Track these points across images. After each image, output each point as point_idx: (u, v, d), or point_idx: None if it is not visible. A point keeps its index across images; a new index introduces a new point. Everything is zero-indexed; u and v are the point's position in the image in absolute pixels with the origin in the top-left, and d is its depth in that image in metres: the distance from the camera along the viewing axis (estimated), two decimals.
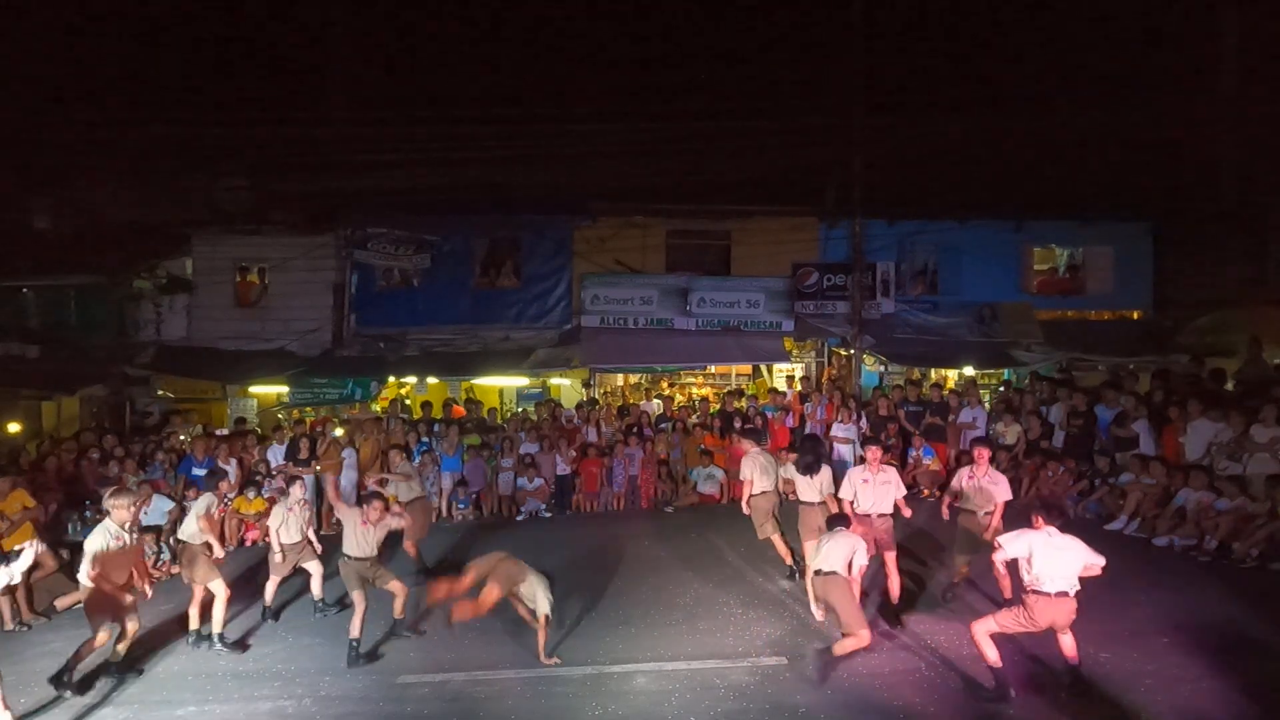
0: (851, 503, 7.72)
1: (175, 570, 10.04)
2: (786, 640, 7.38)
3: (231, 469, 11.38)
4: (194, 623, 7.87)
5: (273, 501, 11.63)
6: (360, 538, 7.61)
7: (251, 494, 11.36)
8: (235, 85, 18.24)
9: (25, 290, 15.84)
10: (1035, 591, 5.91)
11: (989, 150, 15.24)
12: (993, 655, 6.05)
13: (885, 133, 15.28)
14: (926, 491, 12.15)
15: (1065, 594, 5.88)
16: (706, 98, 16.89)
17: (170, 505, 10.43)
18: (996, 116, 15.25)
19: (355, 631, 7.37)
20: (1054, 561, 5.89)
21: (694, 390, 17.42)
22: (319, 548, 8.70)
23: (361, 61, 18.83)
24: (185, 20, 19.51)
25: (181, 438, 12.52)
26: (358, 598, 7.44)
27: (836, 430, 12.79)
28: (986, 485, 7.80)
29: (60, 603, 8.94)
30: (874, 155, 15.17)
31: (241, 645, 7.85)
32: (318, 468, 11.73)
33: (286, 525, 8.41)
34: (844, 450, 12.70)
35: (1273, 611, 7.29)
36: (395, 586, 7.78)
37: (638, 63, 19.25)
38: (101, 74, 17.99)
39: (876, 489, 7.72)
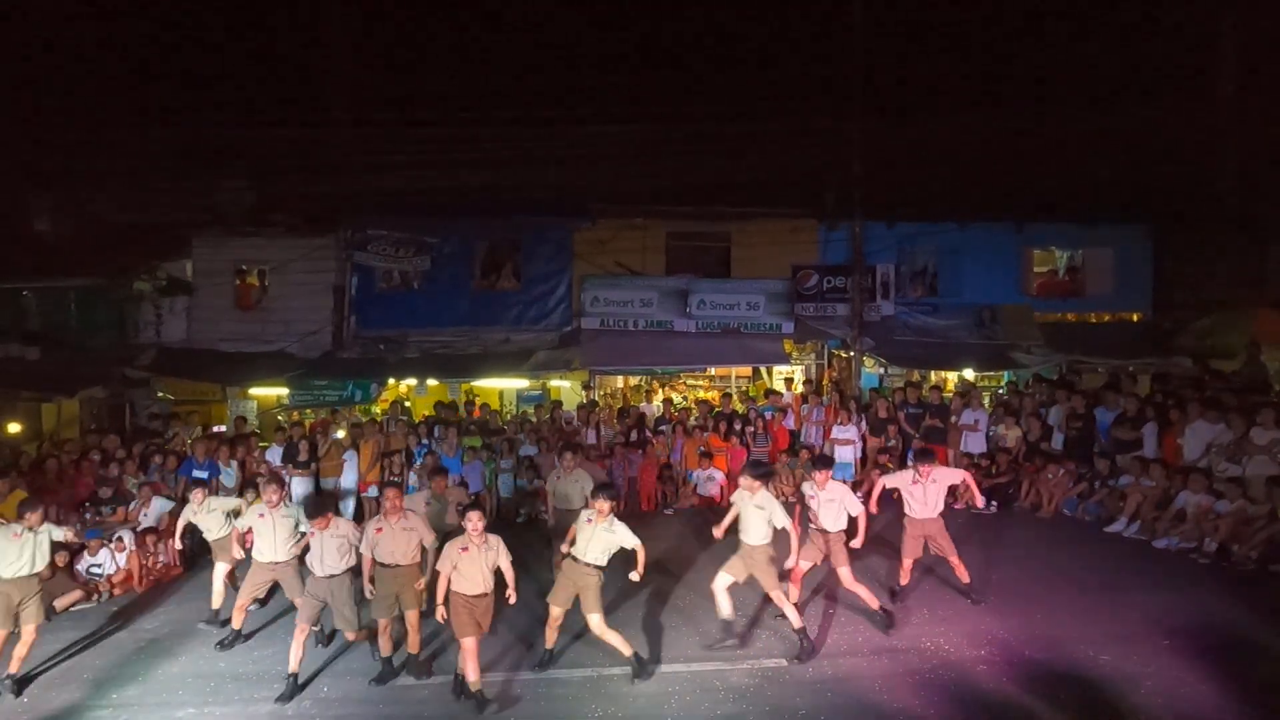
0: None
1: (176, 572, 10.06)
2: (786, 642, 7.37)
3: (233, 471, 11.40)
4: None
5: None
6: (387, 540, 6.89)
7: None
8: (235, 87, 18.24)
9: (25, 292, 15.81)
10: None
11: (989, 152, 15.24)
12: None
13: (885, 135, 15.29)
14: None
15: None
16: (706, 99, 16.89)
17: (171, 506, 10.42)
18: (996, 119, 15.28)
19: (385, 649, 6.99)
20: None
21: (701, 393, 17.44)
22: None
23: (362, 62, 18.82)
24: (185, 22, 19.50)
25: (189, 442, 12.48)
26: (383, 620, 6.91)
27: (836, 433, 12.80)
28: (932, 489, 7.93)
29: (59, 603, 8.92)
30: (873, 157, 15.20)
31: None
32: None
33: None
34: (844, 452, 12.71)
35: (1272, 614, 7.31)
36: (412, 618, 7.00)
37: (638, 64, 19.26)
38: (102, 75, 17.99)
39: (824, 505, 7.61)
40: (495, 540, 6.57)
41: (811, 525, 7.69)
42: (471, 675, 6.36)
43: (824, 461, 8.24)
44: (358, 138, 16.43)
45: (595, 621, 6.80)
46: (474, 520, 6.48)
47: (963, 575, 8.06)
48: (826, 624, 7.73)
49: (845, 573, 7.52)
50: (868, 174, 15.17)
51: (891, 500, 8.47)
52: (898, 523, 8.35)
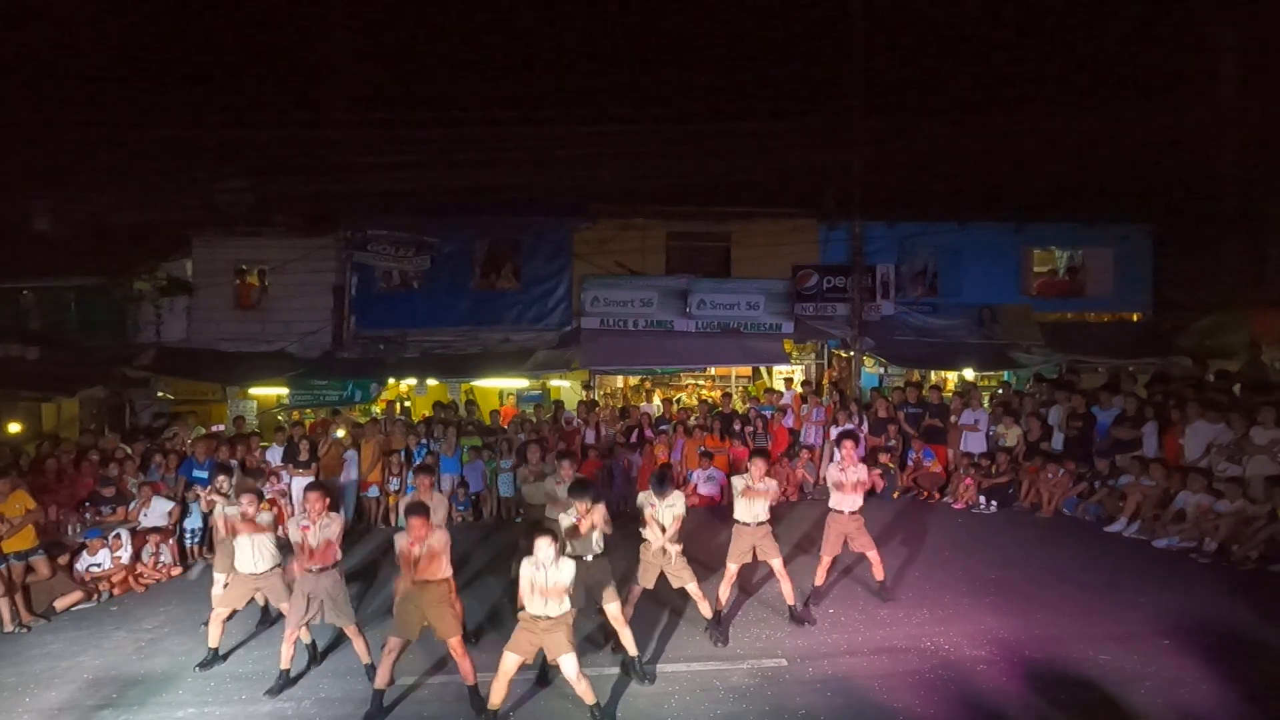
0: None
1: (176, 572, 10.07)
2: (786, 642, 7.38)
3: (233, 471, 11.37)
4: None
5: (273, 503, 11.63)
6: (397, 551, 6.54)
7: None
8: (236, 86, 18.26)
9: (25, 292, 15.84)
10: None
11: (988, 152, 15.25)
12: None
13: (885, 134, 15.30)
14: (926, 494, 12.17)
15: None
16: (707, 99, 16.92)
17: (170, 506, 10.42)
18: (996, 118, 15.29)
19: (381, 679, 6.42)
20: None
21: (705, 392, 17.46)
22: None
23: (361, 62, 18.85)
24: (185, 21, 19.54)
25: (189, 442, 12.46)
26: (393, 641, 6.35)
27: (836, 432, 12.78)
28: (852, 475, 7.85)
29: (59, 604, 8.93)
30: (874, 157, 15.21)
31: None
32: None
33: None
34: None
35: (1272, 614, 7.31)
36: (454, 645, 6.40)
37: (638, 64, 19.29)
38: (102, 75, 18.01)
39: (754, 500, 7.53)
40: (566, 563, 6.03)
41: (738, 519, 7.59)
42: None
43: (762, 453, 7.97)
44: (358, 138, 16.45)
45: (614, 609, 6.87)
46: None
47: (878, 573, 8.07)
48: (825, 624, 7.73)
49: (777, 563, 7.57)
50: (868, 173, 15.17)
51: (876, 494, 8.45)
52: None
